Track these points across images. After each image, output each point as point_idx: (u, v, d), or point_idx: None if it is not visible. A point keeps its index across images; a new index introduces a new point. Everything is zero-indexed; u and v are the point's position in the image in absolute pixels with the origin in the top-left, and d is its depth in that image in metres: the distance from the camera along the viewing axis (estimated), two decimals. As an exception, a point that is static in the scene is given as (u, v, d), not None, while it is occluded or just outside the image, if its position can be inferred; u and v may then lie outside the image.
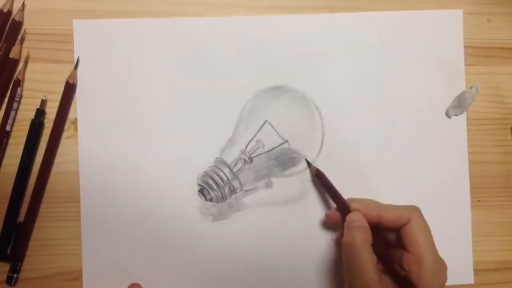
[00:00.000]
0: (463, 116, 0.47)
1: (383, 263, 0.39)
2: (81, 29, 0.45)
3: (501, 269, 0.47)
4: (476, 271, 0.46)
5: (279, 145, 0.44)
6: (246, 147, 0.44)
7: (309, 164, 0.45)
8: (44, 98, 0.44)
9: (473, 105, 0.47)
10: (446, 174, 0.46)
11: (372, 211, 0.40)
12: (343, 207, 0.42)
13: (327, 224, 0.45)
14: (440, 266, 0.38)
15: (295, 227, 0.45)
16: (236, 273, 0.45)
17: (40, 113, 0.44)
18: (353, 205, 0.41)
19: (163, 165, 0.45)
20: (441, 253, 0.39)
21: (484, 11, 0.48)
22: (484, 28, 0.48)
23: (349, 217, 0.40)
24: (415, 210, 0.40)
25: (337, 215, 0.42)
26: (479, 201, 0.47)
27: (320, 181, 0.44)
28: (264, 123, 0.45)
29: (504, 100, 0.47)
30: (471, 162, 0.47)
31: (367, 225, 0.39)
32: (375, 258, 0.38)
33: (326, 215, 0.44)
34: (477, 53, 0.47)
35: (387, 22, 0.47)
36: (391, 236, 0.41)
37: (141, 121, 0.45)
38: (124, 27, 0.46)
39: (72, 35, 0.45)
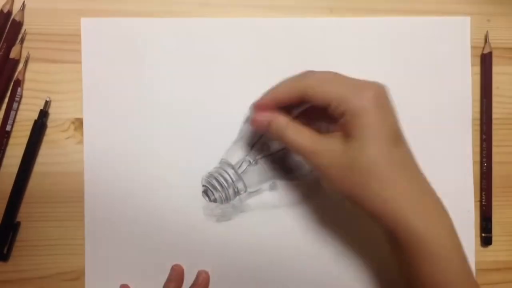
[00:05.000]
0: (469, 123, 0.47)
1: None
2: (89, 27, 0.45)
3: (502, 269, 0.47)
4: (477, 271, 0.47)
5: (284, 148, 0.44)
6: (252, 148, 0.44)
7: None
8: (48, 100, 0.44)
9: (473, 105, 0.47)
10: (450, 180, 0.46)
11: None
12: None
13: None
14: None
15: (299, 230, 0.45)
16: (239, 275, 0.45)
17: (44, 114, 0.44)
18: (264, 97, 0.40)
19: (168, 165, 0.45)
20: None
21: (484, 11, 0.48)
22: (484, 28, 0.48)
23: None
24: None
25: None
26: (479, 201, 0.47)
27: None
28: (270, 125, 0.44)
29: (504, 100, 0.48)
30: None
31: (274, 114, 0.39)
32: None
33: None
34: (477, 53, 0.48)
35: (393, 27, 0.47)
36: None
37: (146, 121, 0.45)
38: (132, 26, 0.45)
39: (72, 35, 0.45)
